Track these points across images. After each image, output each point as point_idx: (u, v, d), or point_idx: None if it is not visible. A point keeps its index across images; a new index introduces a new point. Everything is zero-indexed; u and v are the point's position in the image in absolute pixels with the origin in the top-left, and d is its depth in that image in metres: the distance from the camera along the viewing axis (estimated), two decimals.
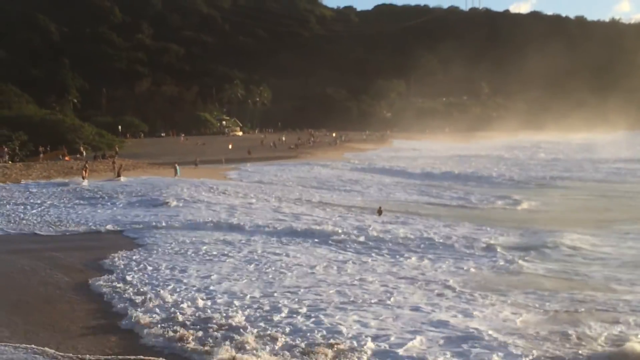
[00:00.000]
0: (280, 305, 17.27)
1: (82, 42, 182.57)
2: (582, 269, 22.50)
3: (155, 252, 24.71)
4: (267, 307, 17.10)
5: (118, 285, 19.40)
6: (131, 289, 18.84)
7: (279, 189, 49.28)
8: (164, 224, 30.74)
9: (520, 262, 23.46)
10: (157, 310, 16.80)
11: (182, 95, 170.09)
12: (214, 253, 24.49)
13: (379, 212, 36.44)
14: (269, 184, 54.06)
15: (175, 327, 15.35)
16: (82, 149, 79.58)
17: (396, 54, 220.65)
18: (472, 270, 22.38)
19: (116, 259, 23.21)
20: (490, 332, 15.11)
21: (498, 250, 25.69)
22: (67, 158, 72.54)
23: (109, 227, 30.72)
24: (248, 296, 18.26)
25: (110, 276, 20.54)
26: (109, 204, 39.02)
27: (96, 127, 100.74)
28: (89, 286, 19.40)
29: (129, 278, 20.27)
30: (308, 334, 14.94)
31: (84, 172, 51.20)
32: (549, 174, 64.24)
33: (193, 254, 24.31)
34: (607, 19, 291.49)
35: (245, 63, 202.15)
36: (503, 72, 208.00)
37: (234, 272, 21.41)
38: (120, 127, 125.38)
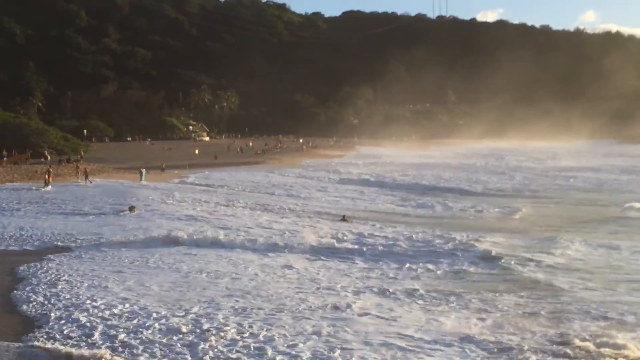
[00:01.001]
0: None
1: (47, 45, 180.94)
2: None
3: None
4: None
5: None
6: None
7: (242, 194, 49.34)
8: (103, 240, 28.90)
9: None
10: None
11: (149, 99, 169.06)
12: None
13: (344, 219, 36.74)
14: (232, 189, 54.06)
15: None
16: (46, 153, 78.80)
17: (364, 61, 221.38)
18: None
19: None
20: None
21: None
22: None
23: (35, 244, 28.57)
24: None
25: None
26: (57, 211, 38.32)
27: (61, 131, 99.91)
28: None
29: None
30: None
31: (47, 177, 50.61)
32: (505, 184, 64.85)
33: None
34: (572, 29, 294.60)
35: (213, 68, 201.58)
36: (470, 80, 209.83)
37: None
38: (85, 131, 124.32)
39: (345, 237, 30.38)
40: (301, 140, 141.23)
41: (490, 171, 79.90)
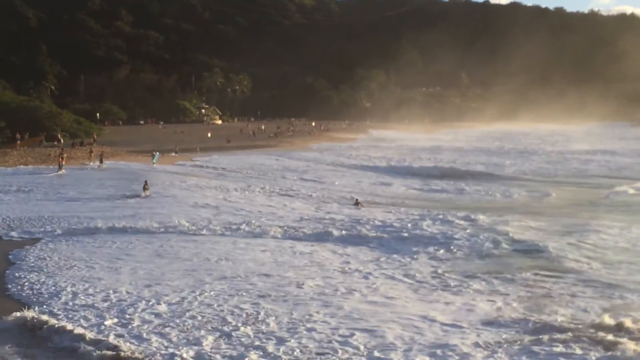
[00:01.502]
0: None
1: (60, 28, 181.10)
2: None
3: None
4: None
5: None
6: None
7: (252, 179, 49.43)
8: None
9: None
10: None
11: (161, 83, 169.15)
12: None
13: (356, 203, 36.75)
14: (245, 173, 54.11)
15: None
16: (59, 136, 79.05)
17: (376, 44, 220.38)
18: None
19: None
20: None
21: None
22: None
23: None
24: None
25: None
26: (70, 194, 38.41)
27: (74, 114, 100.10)
28: None
29: None
30: None
31: (61, 160, 50.73)
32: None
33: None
34: (586, 11, 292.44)
35: (225, 51, 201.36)
36: (483, 62, 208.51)
37: None
38: (98, 114, 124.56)
39: (363, 222, 30.16)
40: (313, 124, 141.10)
41: (507, 154, 79.60)
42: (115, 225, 28.38)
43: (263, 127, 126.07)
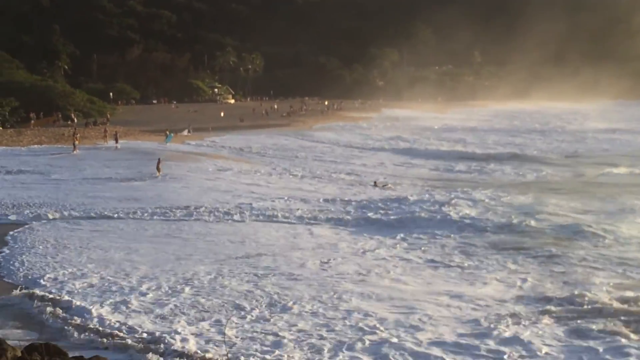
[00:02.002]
0: None
1: (72, 8, 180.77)
2: None
3: None
4: None
5: None
6: None
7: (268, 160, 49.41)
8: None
9: None
10: None
11: (174, 62, 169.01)
12: None
13: (376, 184, 36.52)
14: (262, 153, 54.07)
15: None
16: (73, 115, 79.27)
17: (390, 22, 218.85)
18: None
19: None
20: None
21: None
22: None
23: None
24: None
25: None
26: (86, 174, 38.52)
27: (87, 93, 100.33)
28: None
29: None
30: None
31: (75, 140, 50.76)
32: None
33: None
34: None
35: (238, 30, 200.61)
36: (497, 40, 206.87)
37: None
38: (111, 94, 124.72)
39: (390, 204, 29.92)
40: (326, 102, 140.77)
41: (526, 134, 78.99)
42: (132, 208, 28.42)
43: (276, 106, 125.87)
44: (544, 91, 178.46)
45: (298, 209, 28.89)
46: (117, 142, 53.24)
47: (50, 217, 27.01)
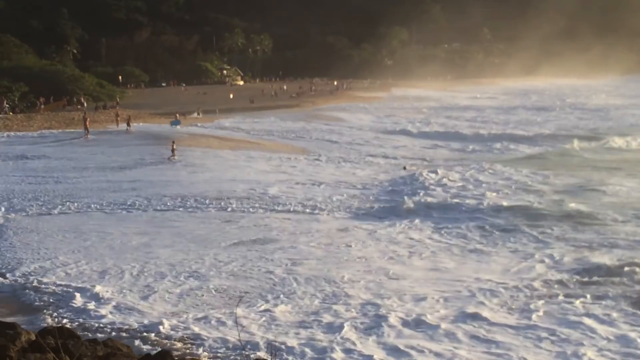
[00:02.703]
0: None
1: None
2: None
3: None
4: None
5: None
6: None
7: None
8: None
9: None
10: None
11: (183, 44, 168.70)
12: None
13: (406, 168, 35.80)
14: (276, 135, 53.92)
15: None
16: (82, 99, 79.36)
17: (398, 1, 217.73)
18: None
19: None
20: None
21: None
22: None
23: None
24: None
25: None
26: (100, 160, 38.46)
27: (96, 77, 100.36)
28: None
29: None
30: None
31: (87, 124, 50.61)
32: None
33: None
34: None
35: (246, 11, 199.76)
36: (506, 17, 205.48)
37: None
38: (120, 77, 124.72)
39: (422, 188, 29.65)
40: (335, 83, 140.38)
41: (545, 110, 78.04)
42: (152, 197, 28.23)
43: (285, 87, 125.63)
44: (553, 67, 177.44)
45: (334, 197, 28.39)
46: (129, 125, 53.26)
47: (91, 209, 26.86)
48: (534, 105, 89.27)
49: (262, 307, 15.32)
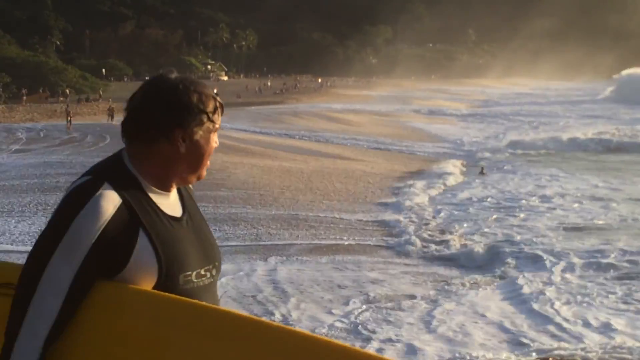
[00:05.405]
0: None
1: None
2: None
3: None
4: None
5: None
6: None
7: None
8: None
9: None
10: None
11: (167, 38, 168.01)
12: None
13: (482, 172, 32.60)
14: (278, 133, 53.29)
15: None
16: (68, 91, 78.91)
17: None
18: None
19: None
20: None
21: None
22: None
23: None
24: None
25: None
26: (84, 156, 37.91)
27: (80, 69, 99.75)
28: None
29: None
30: None
31: (69, 117, 49.74)
32: None
33: None
34: None
35: (231, 7, 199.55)
36: (490, 18, 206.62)
37: None
38: (104, 70, 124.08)
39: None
40: (319, 80, 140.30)
41: (555, 114, 76.81)
42: None
43: (269, 83, 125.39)
44: (538, 69, 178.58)
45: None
46: (112, 118, 52.69)
47: None
48: (543, 102, 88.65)
49: None
